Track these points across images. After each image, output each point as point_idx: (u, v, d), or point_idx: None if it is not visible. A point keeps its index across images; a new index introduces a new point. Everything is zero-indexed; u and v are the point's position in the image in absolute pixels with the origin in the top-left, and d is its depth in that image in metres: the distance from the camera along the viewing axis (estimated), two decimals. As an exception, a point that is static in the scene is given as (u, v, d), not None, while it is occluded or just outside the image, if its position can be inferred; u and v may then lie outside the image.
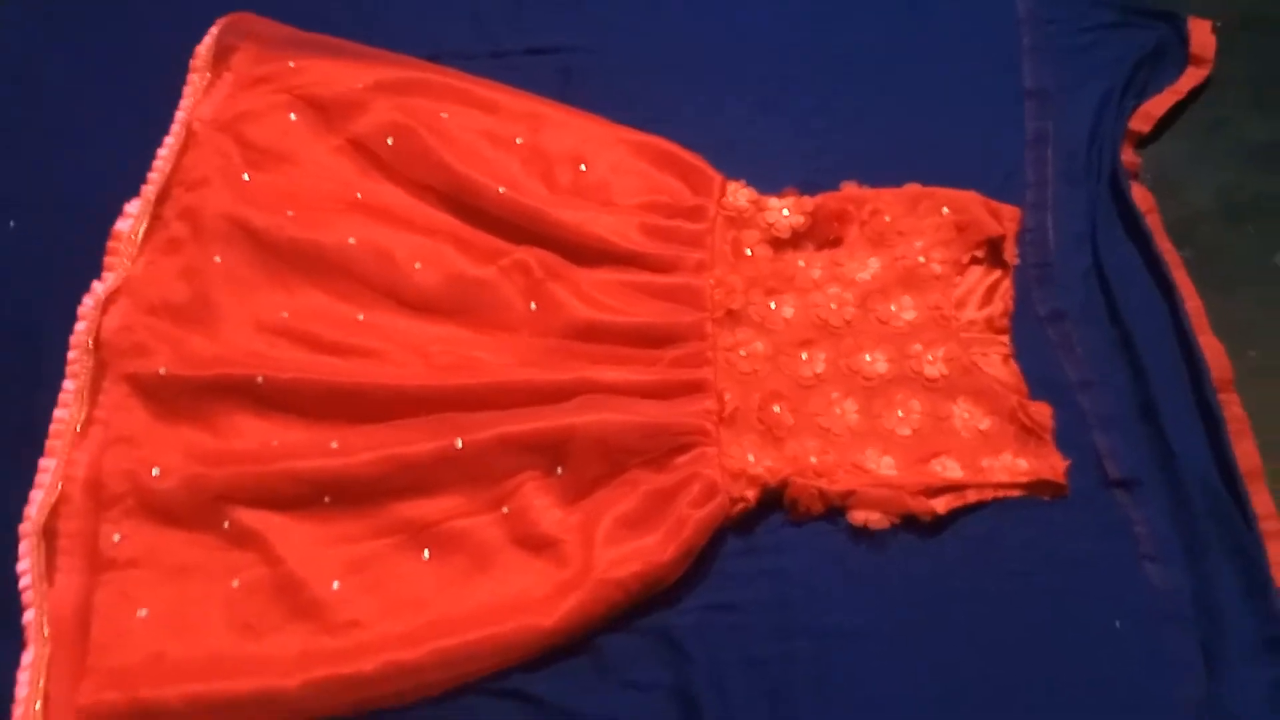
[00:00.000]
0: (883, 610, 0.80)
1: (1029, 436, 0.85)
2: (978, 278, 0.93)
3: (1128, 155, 1.00)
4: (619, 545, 0.79)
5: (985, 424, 0.85)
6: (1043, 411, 0.85)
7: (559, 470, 0.83)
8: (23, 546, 0.81)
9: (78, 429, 0.86)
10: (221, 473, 0.82)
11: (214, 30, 1.03)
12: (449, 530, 0.82)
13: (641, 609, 0.79)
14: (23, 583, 0.80)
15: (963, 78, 1.04)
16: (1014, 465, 0.83)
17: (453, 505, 0.82)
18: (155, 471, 0.82)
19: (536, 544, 0.81)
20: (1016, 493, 0.83)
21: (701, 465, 0.82)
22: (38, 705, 0.75)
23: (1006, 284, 0.92)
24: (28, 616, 0.79)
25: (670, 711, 0.77)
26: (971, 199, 0.94)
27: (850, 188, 0.96)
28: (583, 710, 0.77)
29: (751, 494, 0.81)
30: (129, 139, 0.99)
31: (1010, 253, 0.92)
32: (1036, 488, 0.84)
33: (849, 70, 1.04)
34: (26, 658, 0.78)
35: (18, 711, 0.76)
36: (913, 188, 0.95)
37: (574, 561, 0.80)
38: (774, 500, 0.84)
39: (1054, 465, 0.83)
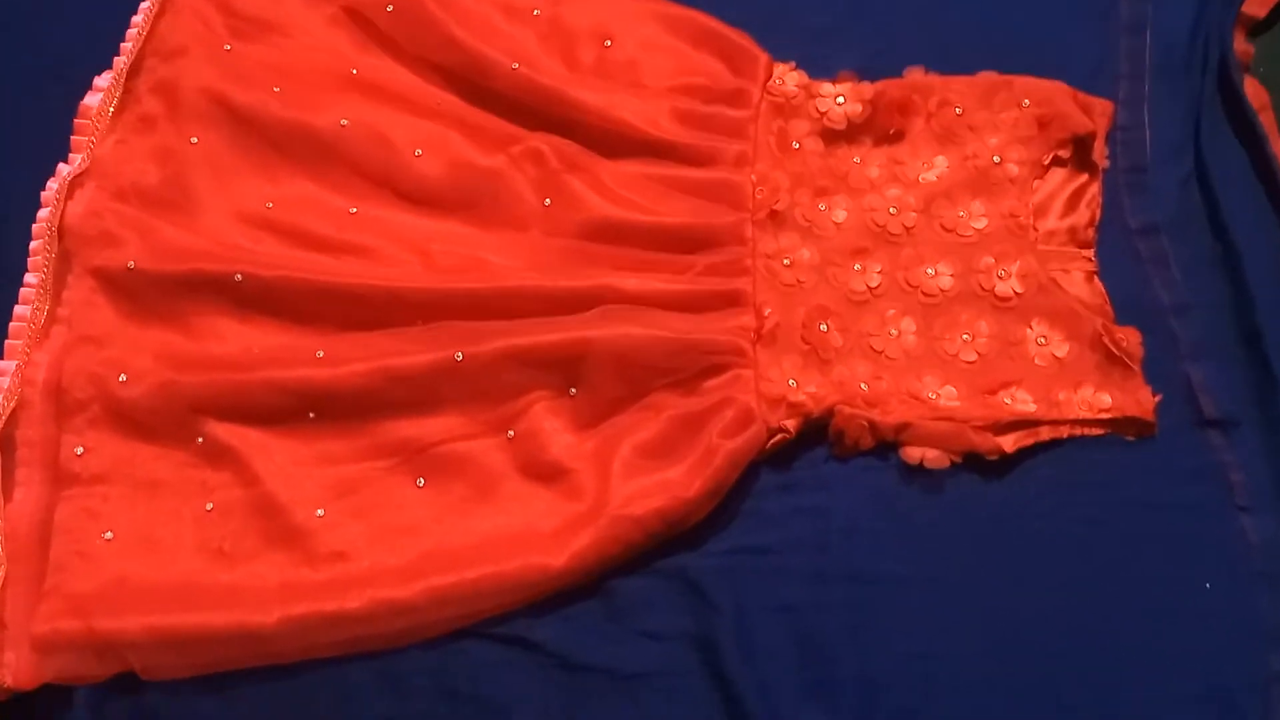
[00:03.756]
0: (934, 557, 0.71)
1: (1113, 366, 0.74)
2: (1060, 181, 0.81)
3: (1239, 44, 0.86)
4: (639, 478, 0.70)
5: (1063, 350, 0.75)
6: (1131, 338, 0.74)
7: (572, 390, 0.73)
8: (-23, 457, 0.74)
9: (40, 327, 0.77)
10: (195, 380, 0.73)
11: (192, -123, 0.90)
12: (447, 454, 0.73)
13: (661, 550, 0.71)
14: (-25, 497, 0.73)
15: (1048, -50, 0.90)
16: (1095, 400, 0.73)
17: (452, 426, 0.74)
18: (122, 377, 0.74)
19: (545, 473, 0.72)
20: (1096, 430, 0.73)
21: (736, 389, 0.72)
22: (-9, 634, 0.68)
23: (1094, 190, 0.80)
24: (-20, 533, 0.72)
25: (689, 663, 0.69)
26: (1057, 90, 0.81)
27: (915, 74, 0.84)
28: (592, 660, 0.69)
29: (792, 424, 0.72)
30: (102, 3, 0.88)
31: (1100, 153, 0.80)
32: (1119, 425, 0.74)
33: (917, -63, 0.91)
34: (-20, 578, 0.70)
35: (-32, 639, 0.68)
36: (988, 76, 0.83)
37: (587, 494, 0.71)
38: (815, 432, 0.74)
39: (1141, 400, 0.73)
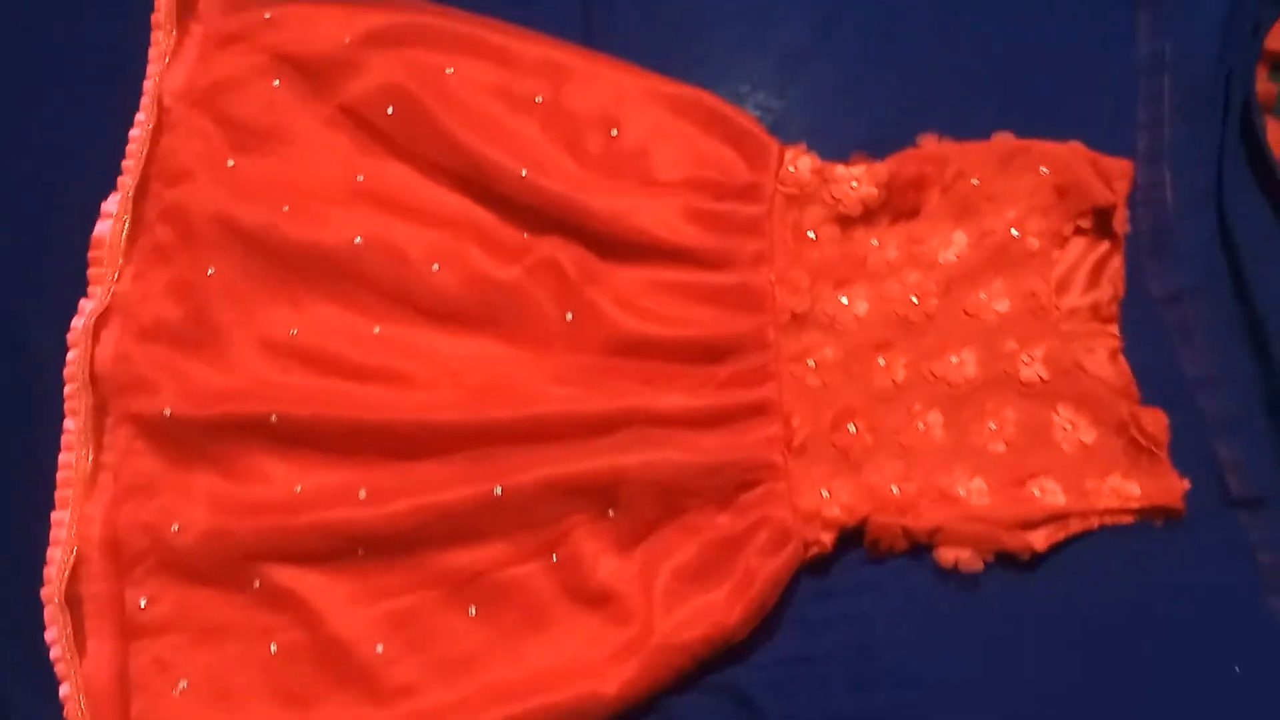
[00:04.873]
0: (974, 657, 0.73)
1: (1140, 452, 0.74)
2: (1081, 251, 0.80)
3: (1262, 84, 0.83)
4: (681, 604, 0.73)
5: (1090, 437, 0.75)
6: (1157, 422, 0.74)
7: (610, 513, 0.75)
8: (47, 613, 0.77)
9: (86, 475, 0.79)
10: (245, 526, 0.75)
11: (171, -26, 0.88)
12: (496, 582, 0.75)
13: (710, 665, 0.73)
14: (54, 653, 0.76)
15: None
16: (1124, 488, 0.74)
17: (497, 553, 0.75)
18: (175, 527, 0.76)
19: (592, 597, 0.74)
20: (1126, 519, 0.74)
21: (770, 506, 0.73)
22: (87, 800, 0.73)
23: (1117, 262, 0.79)
24: (64, 691, 0.75)
25: (745, 773, 0.72)
26: (1075, 155, 0.79)
27: (930, 143, 0.81)
28: (652, 776, 0.73)
29: (828, 538, 0.73)
30: (96, 112, 0.87)
31: (1121, 221, 0.79)
32: (1148, 512, 0.75)
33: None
34: (68, 741, 0.74)
35: (68, 806, 0.73)
36: (1004, 140, 0.81)
37: (635, 618, 0.73)
38: (851, 534, 0.75)
39: (1170, 488, 0.74)
